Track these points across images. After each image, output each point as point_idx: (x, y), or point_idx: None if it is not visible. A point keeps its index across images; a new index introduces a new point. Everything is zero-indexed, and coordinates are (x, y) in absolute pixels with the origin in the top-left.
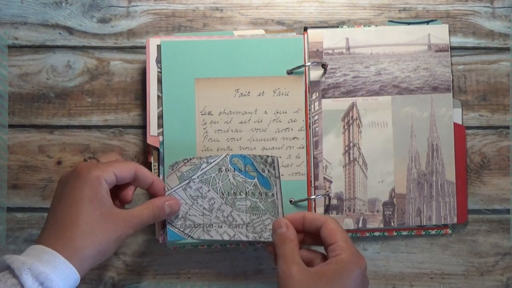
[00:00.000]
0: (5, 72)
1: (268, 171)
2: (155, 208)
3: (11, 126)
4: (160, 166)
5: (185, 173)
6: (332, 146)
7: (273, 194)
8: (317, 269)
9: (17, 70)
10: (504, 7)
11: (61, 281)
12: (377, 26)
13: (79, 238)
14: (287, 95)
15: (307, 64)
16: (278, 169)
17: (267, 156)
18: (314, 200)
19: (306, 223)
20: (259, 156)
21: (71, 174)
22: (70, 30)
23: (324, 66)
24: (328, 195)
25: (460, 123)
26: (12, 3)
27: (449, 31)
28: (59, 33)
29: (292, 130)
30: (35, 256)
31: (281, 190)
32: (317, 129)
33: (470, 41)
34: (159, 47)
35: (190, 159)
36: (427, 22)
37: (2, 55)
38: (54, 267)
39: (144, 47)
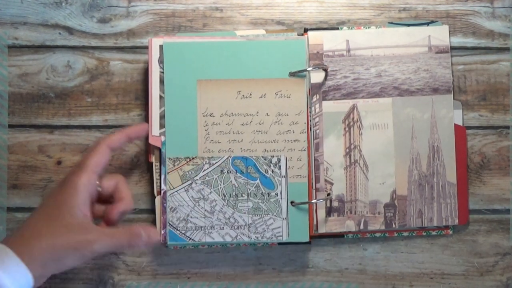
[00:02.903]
0: (5, 72)
1: (272, 171)
2: (131, 232)
3: (11, 126)
4: (162, 166)
5: (187, 173)
6: (333, 148)
7: (276, 194)
8: None
9: (17, 70)
10: (504, 7)
11: (8, 277)
12: (377, 27)
13: (36, 239)
14: (289, 97)
15: (308, 69)
16: (286, 168)
17: (272, 157)
18: (316, 203)
19: None
20: (262, 157)
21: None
22: (70, 30)
23: (325, 70)
24: (329, 198)
25: (461, 125)
26: (12, 3)
27: (449, 31)
28: (59, 33)
29: (293, 132)
30: None
31: (286, 188)
32: (317, 131)
33: (470, 41)
34: (161, 47)
35: (193, 158)
36: (427, 24)
37: (2, 55)
38: (2, 262)
39: (144, 47)
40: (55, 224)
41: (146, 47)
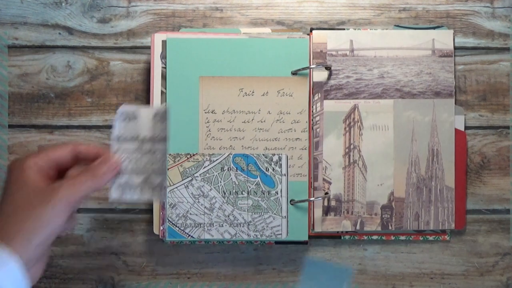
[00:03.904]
0: (5, 72)
1: (273, 169)
2: (89, 169)
3: (11, 126)
4: None
5: (188, 170)
6: (332, 148)
7: (276, 192)
8: None
9: (17, 70)
10: (504, 7)
11: None
12: (382, 29)
13: (6, 219)
14: (291, 95)
15: (312, 66)
16: (287, 166)
17: (273, 155)
18: (313, 202)
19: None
20: (263, 155)
21: None
22: (70, 30)
23: (328, 68)
24: (328, 197)
25: (462, 130)
26: (12, 3)
27: None
28: (59, 33)
29: (295, 131)
30: None
31: (287, 187)
32: (318, 130)
33: (470, 41)
34: (164, 42)
35: (193, 154)
36: (434, 28)
37: (2, 55)
38: None
39: (144, 47)
40: (16, 200)
41: (146, 47)
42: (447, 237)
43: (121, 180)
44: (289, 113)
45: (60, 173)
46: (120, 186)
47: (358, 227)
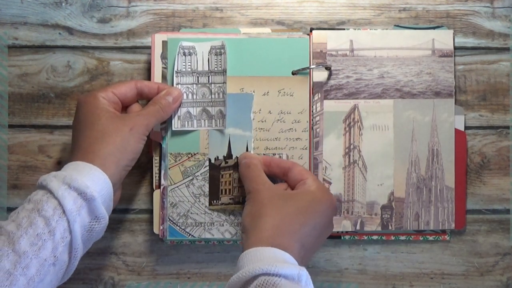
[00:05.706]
0: (5, 72)
1: None
2: (156, 100)
3: (11, 126)
4: (162, 161)
5: (188, 169)
6: (332, 148)
7: None
8: (286, 192)
9: (17, 70)
10: (504, 7)
11: (88, 180)
12: (382, 29)
13: (95, 143)
14: (292, 95)
15: (312, 66)
16: None
17: (274, 154)
18: None
19: (273, 165)
20: (264, 154)
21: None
22: (70, 30)
23: (328, 68)
24: None
25: (462, 130)
26: (12, 3)
27: None
28: (59, 33)
29: (295, 131)
30: (58, 172)
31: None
32: (318, 130)
33: (470, 41)
34: (164, 43)
35: (194, 154)
36: (434, 28)
37: (2, 55)
38: (77, 171)
39: (144, 47)
40: (98, 126)
41: (146, 47)
42: (447, 237)
43: (181, 111)
44: (290, 113)
45: (122, 108)
46: (180, 117)
47: (358, 227)
